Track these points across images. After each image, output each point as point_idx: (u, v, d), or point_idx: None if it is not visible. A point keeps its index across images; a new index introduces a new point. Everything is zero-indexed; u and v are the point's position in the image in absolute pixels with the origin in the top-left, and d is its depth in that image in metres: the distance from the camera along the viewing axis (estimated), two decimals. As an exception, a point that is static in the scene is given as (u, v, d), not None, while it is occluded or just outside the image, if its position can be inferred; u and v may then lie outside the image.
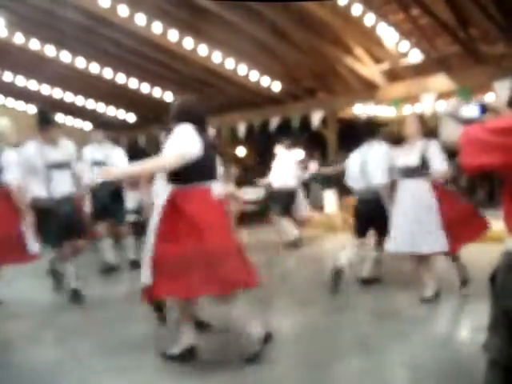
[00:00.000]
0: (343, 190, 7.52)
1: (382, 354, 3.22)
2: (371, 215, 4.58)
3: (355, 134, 5.73)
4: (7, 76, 11.01)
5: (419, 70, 7.89)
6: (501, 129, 1.45)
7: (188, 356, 3.02)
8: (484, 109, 1.71)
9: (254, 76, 9.13)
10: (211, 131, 7.20)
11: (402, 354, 3.22)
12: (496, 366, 1.50)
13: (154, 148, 13.32)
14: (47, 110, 4.56)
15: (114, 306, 4.40)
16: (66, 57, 9.25)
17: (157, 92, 10.85)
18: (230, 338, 3.55)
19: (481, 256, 5.67)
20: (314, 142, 10.87)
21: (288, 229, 7.12)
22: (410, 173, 4.09)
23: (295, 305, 4.34)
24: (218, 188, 2.97)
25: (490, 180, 8.49)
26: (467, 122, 1.67)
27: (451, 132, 1.51)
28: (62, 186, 4.32)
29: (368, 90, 8.66)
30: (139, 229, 5.90)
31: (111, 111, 12.66)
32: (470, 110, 1.72)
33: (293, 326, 3.82)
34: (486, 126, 1.51)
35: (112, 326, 3.82)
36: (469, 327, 3.64)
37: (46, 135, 4.30)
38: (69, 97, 11.82)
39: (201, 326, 3.52)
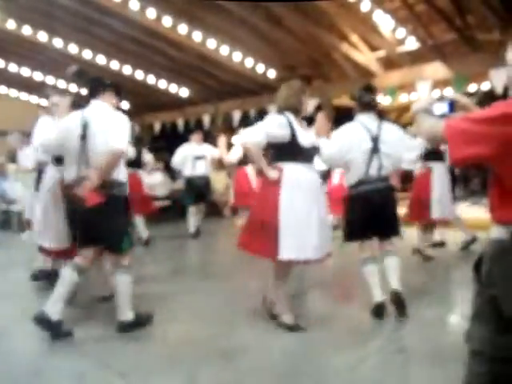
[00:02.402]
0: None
1: (376, 341, 3.25)
2: None
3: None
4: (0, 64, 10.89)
5: (415, 58, 7.87)
6: (485, 118, 1.42)
7: None
8: (453, 106, 1.71)
9: (249, 63, 9.06)
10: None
11: (396, 341, 3.25)
12: (480, 356, 1.48)
13: (148, 135, 13.24)
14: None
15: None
16: (58, 43, 9.14)
17: (151, 79, 10.76)
18: (223, 326, 3.57)
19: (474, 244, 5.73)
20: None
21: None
22: None
23: (290, 293, 4.35)
24: None
25: (484, 169, 8.52)
26: (439, 118, 1.66)
27: (430, 126, 1.47)
28: None
29: (364, 78, 8.61)
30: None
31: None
32: (440, 108, 1.72)
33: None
34: (469, 116, 1.49)
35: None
36: (461, 313, 3.68)
37: None
38: (61, 83, 11.70)
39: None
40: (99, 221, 3.26)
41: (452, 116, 1.69)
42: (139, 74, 10.52)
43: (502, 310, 1.42)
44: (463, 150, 1.44)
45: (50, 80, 11.52)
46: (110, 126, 3.35)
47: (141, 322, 3.50)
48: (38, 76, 11.37)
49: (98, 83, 3.56)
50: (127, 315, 3.45)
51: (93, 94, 3.51)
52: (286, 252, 3.25)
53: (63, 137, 3.40)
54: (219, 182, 9.44)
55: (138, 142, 6.65)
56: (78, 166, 3.30)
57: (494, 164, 1.49)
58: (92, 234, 3.33)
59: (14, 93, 13.22)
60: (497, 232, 1.49)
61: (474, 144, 1.41)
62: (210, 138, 11.64)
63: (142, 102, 12.46)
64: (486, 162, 1.51)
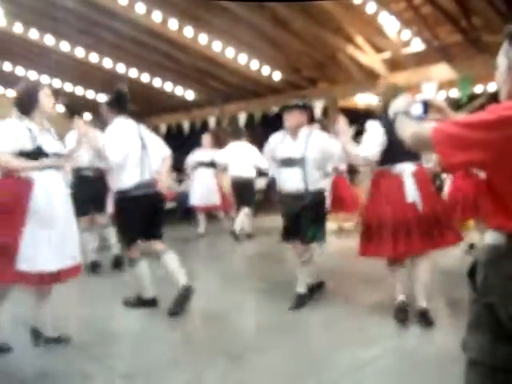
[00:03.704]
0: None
1: (380, 344, 3.24)
2: None
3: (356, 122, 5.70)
4: (6, 66, 10.95)
5: (421, 60, 7.84)
6: (481, 123, 1.37)
7: None
8: (427, 107, 1.67)
9: (255, 65, 9.07)
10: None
11: (406, 343, 3.24)
12: (479, 365, 1.43)
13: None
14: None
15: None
16: (65, 46, 9.19)
17: (157, 82, 10.79)
18: (228, 327, 3.58)
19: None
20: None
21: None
22: None
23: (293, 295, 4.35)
24: None
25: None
26: (416, 120, 1.63)
27: (415, 131, 1.40)
28: None
29: (369, 80, 8.60)
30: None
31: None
32: (416, 109, 1.69)
33: (291, 317, 3.83)
34: (461, 121, 1.44)
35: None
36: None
37: None
38: (68, 87, 11.76)
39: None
40: (162, 214, 4.16)
41: (427, 118, 1.66)
42: (145, 77, 10.55)
43: (499, 318, 1.38)
44: (456, 156, 1.39)
45: (56, 83, 11.58)
46: (151, 136, 4.20)
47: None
48: (44, 79, 11.43)
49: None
50: (183, 280, 3.98)
51: (124, 110, 4.08)
52: None
53: (128, 148, 3.88)
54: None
55: None
56: (142, 171, 3.92)
57: (488, 169, 1.44)
58: (157, 226, 4.10)
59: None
60: (492, 237, 1.44)
61: (468, 150, 1.36)
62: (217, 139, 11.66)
63: (148, 105, 12.50)
64: (479, 168, 1.47)
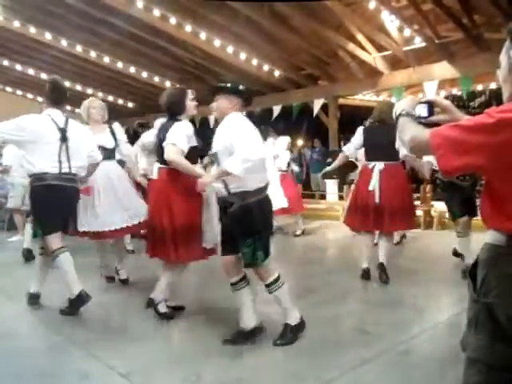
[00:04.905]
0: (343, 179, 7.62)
1: (381, 342, 3.21)
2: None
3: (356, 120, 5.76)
4: (5, 63, 10.93)
5: (422, 58, 7.82)
6: (480, 127, 1.34)
7: None
8: (431, 107, 1.63)
9: (254, 63, 9.04)
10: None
11: (401, 343, 3.21)
12: (477, 364, 1.42)
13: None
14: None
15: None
16: (63, 43, 9.16)
17: (156, 79, 10.76)
18: (227, 325, 3.56)
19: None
20: (314, 130, 10.82)
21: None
22: None
23: (295, 293, 4.32)
24: None
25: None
26: (420, 121, 1.58)
27: (414, 135, 1.32)
28: None
29: (370, 78, 8.58)
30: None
31: (110, 99, 12.56)
32: (421, 109, 1.64)
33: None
34: (460, 124, 1.40)
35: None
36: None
37: None
38: (67, 84, 11.74)
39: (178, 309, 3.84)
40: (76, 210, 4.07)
41: (430, 119, 1.62)
42: (144, 74, 10.52)
43: (497, 318, 1.37)
44: (455, 160, 1.37)
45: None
46: (84, 134, 4.07)
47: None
48: (43, 76, 11.40)
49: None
50: (76, 288, 3.68)
51: (54, 101, 3.91)
52: None
53: (33, 133, 3.77)
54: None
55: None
56: (61, 163, 3.78)
57: (487, 173, 1.43)
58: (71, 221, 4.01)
59: (19, 92, 13.29)
60: (492, 236, 1.42)
61: (467, 154, 1.34)
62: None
63: (147, 102, 12.47)
64: (479, 171, 1.45)
